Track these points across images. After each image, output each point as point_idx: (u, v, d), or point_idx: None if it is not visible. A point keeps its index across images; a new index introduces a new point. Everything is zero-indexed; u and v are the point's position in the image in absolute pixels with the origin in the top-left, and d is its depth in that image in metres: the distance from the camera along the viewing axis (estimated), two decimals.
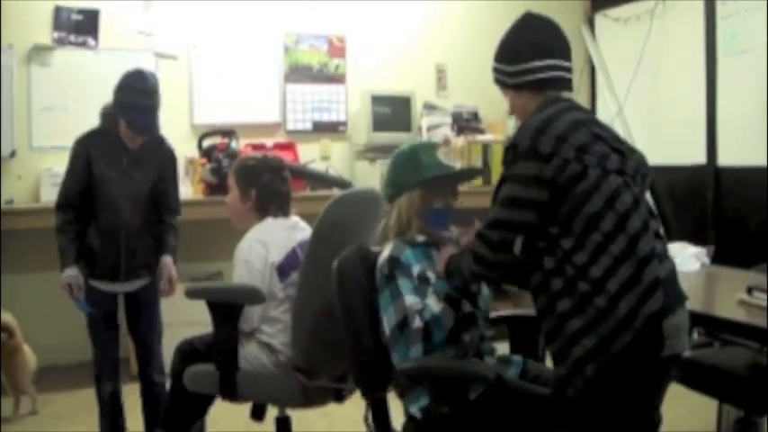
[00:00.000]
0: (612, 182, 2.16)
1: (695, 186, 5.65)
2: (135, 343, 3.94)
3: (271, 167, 3.35)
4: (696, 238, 4.37)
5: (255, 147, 5.61)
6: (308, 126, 6.13)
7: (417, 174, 2.62)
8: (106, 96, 5.50)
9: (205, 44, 5.84)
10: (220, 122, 5.71)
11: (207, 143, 5.51)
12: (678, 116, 5.85)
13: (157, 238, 3.74)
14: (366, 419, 2.59)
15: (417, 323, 2.43)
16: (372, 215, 2.98)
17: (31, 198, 5.36)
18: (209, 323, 3.13)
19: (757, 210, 5.06)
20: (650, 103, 6.13)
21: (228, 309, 3.06)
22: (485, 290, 2.68)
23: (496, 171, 5.78)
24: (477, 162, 5.77)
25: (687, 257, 3.64)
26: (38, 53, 5.42)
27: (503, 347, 2.83)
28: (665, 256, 2.24)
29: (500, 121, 6.36)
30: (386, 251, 2.57)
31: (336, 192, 5.02)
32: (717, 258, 3.85)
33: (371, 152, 5.81)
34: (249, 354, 3.10)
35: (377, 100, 5.93)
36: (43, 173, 5.30)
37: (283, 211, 3.31)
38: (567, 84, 2.40)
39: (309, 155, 5.96)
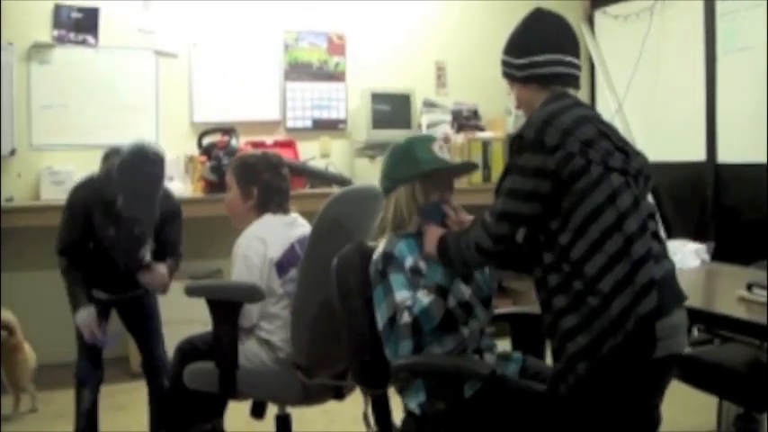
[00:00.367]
0: (614, 180, 2.16)
1: (695, 183, 5.65)
2: (140, 351, 3.87)
3: (271, 165, 3.35)
4: (696, 235, 4.37)
5: (255, 144, 5.61)
6: (308, 124, 6.13)
7: (414, 167, 2.62)
8: (105, 94, 5.57)
9: (205, 42, 5.84)
10: (220, 120, 5.71)
11: (207, 141, 5.51)
12: (678, 113, 5.85)
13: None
14: (365, 417, 2.60)
15: (405, 318, 2.43)
16: (372, 212, 2.97)
17: (31, 196, 5.37)
18: (208, 321, 3.13)
19: (757, 207, 5.06)
20: (650, 100, 6.13)
21: (228, 306, 3.06)
22: (483, 278, 2.67)
23: (496, 168, 5.79)
24: (478, 159, 5.77)
25: (687, 254, 3.64)
26: (38, 51, 5.42)
27: (505, 345, 2.83)
28: (663, 257, 2.23)
29: (500, 118, 6.37)
30: (380, 247, 2.58)
31: (336, 189, 5.02)
32: (717, 255, 3.85)
33: (371, 150, 5.81)
34: (249, 351, 3.10)
35: (376, 97, 5.93)
36: (43, 171, 5.30)
37: (283, 209, 3.31)
38: (574, 80, 2.40)
39: (309, 152, 5.96)
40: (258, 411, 3.26)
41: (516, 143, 2.23)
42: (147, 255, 3.45)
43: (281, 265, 3.15)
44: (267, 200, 3.28)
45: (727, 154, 5.40)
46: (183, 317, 4.75)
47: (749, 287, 2.81)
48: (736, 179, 5.36)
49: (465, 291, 2.54)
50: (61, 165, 5.33)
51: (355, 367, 2.66)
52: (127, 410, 4.39)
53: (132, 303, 3.79)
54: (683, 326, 2.24)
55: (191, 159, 5.53)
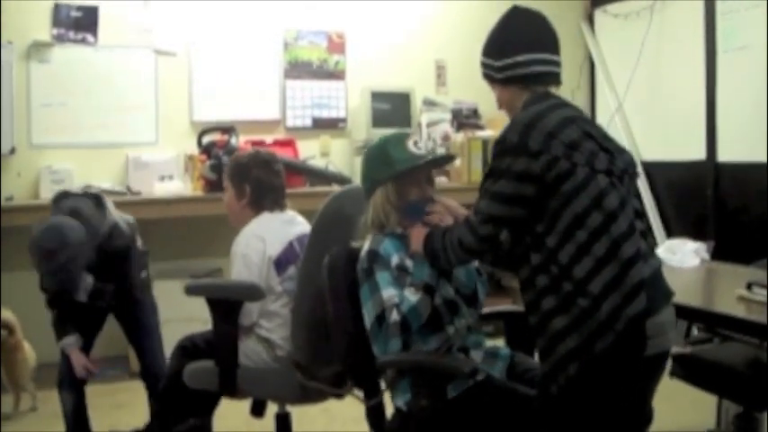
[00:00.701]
0: (600, 181, 2.15)
1: (695, 182, 5.65)
2: (138, 359, 3.92)
3: (262, 161, 3.35)
4: (696, 234, 4.37)
5: (255, 143, 5.61)
6: (308, 122, 6.12)
7: (388, 168, 2.62)
8: (105, 93, 5.57)
9: (204, 41, 5.84)
10: (220, 119, 5.71)
11: (206, 140, 5.51)
12: (678, 112, 5.85)
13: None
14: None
15: (394, 317, 2.45)
16: None
17: (31, 195, 5.37)
18: (208, 320, 3.13)
19: (757, 205, 5.06)
20: (650, 99, 6.13)
21: (228, 305, 3.06)
22: (468, 273, 2.67)
23: None
24: (477, 158, 5.77)
25: (687, 253, 3.64)
26: (37, 50, 5.42)
27: (500, 344, 2.84)
28: (650, 255, 2.23)
29: (500, 117, 6.29)
30: (365, 245, 2.59)
31: (336, 188, 5.02)
32: (716, 254, 3.85)
33: None
34: (248, 349, 3.10)
35: (376, 96, 5.93)
36: (43, 170, 5.30)
37: (279, 205, 3.32)
38: (554, 78, 2.39)
39: (309, 151, 5.95)
40: (258, 410, 3.27)
41: (499, 146, 2.23)
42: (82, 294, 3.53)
43: (280, 263, 3.15)
44: (260, 196, 3.28)
45: (727, 153, 5.40)
46: (182, 315, 4.76)
47: (749, 286, 2.81)
48: (735, 178, 5.36)
49: (450, 289, 2.56)
50: (61, 164, 5.34)
51: (345, 364, 2.70)
52: (126, 409, 4.39)
53: (127, 313, 3.82)
54: (672, 323, 2.24)
55: (190, 158, 5.53)
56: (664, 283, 2.26)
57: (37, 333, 4.72)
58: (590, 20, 6.76)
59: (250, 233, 3.19)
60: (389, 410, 2.62)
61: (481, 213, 2.25)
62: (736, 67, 5.30)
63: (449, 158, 3.09)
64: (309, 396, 3.11)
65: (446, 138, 6.00)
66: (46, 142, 5.43)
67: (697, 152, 5.59)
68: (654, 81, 6.06)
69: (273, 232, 3.20)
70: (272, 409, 3.28)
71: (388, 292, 2.48)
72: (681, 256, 3.55)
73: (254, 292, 3.06)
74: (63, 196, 3.53)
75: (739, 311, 2.71)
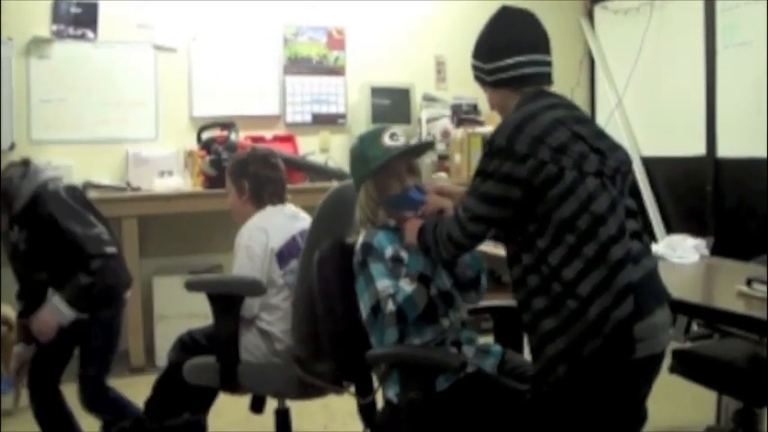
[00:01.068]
0: (589, 184, 2.13)
1: (695, 178, 5.65)
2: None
3: (259, 157, 3.40)
4: (696, 230, 4.37)
5: (255, 139, 5.61)
6: (308, 118, 6.12)
7: (365, 167, 2.65)
8: (105, 89, 5.57)
9: (204, 36, 5.84)
10: (220, 115, 5.71)
11: (206, 135, 5.51)
12: (678, 108, 5.85)
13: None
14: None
15: (390, 307, 2.45)
16: None
17: None
18: (208, 315, 3.13)
19: (757, 201, 5.06)
20: (650, 94, 6.12)
21: (229, 301, 3.06)
22: (473, 256, 2.68)
23: None
24: (477, 154, 5.76)
25: (686, 249, 3.63)
26: (37, 46, 5.41)
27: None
28: (644, 256, 2.22)
29: None
30: (360, 239, 2.61)
31: (335, 184, 5.02)
32: (716, 250, 3.85)
33: None
34: (249, 343, 3.11)
35: (376, 92, 5.93)
36: None
37: (279, 197, 3.34)
38: (545, 78, 2.37)
39: (309, 147, 5.95)
40: (257, 406, 3.27)
41: (488, 147, 2.22)
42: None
43: (282, 255, 3.16)
44: (259, 191, 3.30)
45: (727, 148, 5.40)
46: (182, 311, 4.77)
47: (749, 282, 2.81)
48: (735, 174, 5.36)
49: (447, 280, 2.58)
50: (60, 159, 5.32)
51: (334, 362, 2.72)
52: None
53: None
54: (666, 325, 2.22)
55: (190, 154, 5.53)
56: (658, 284, 2.25)
57: None
58: (590, 16, 6.76)
59: (253, 225, 3.21)
60: (381, 404, 2.63)
61: (470, 211, 2.24)
62: (736, 63, 5.30)
63: (425, 145, 3.06)
64: (309, 391, 3.11)
65: (446, 133, 6.00)
66: (46, 138, 5.43)
67: (697, 148, 5.59)
68: (654, 77, 6.06)
69: (277, 225, 3.21)
70: (270, 405, 3.28)
71: (383, 283, 2.49)
72: (681, 252, 3.55)
73: (255, 288, 3.06)
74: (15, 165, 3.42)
75: (739, 307, 2.71)
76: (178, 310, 4.93)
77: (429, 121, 6.09)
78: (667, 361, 2.40)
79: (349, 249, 2.64)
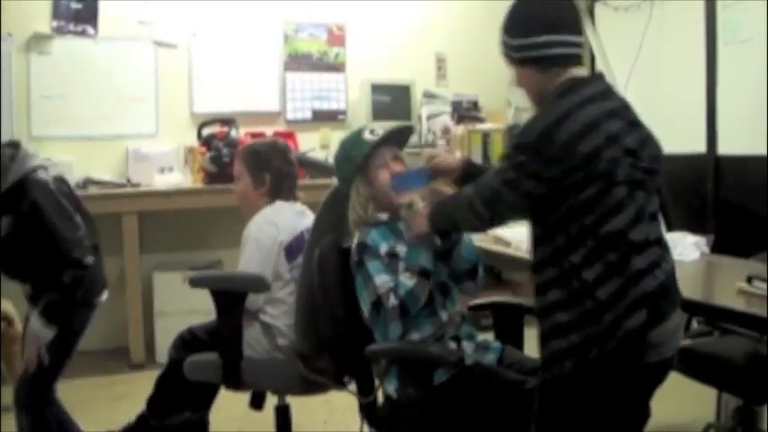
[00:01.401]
0: (617, 194, 2.08)
1: (695, 175, 5.64)
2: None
3: (281, 151, 3.41)
4: (696, 227, 4.36)
5: (255, 135, 5.60)
6: (308, 115, 6.12)
7: (350, 165, 2.70)
8: (105, 85, 5.56)
9: (204, 33, 5.83)
10: (220, 111, 5.70)
11: (206, 132, 5.50)
12: (678, 105, 5.84)
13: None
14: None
15: (392, 301, 2.48)
16: None
17: None
18: (209, 311, 3.13)
19: (757, 199, 5.05)
20: (650, 91, 6.11)
21: (232, 297, 3.07)
22: (468, 248, 2.72)
23: (497, 160, 5.78)
24: (478, 151, 5.77)
25: (687, 246, 3.64)
26: (37, 42, 5.41)
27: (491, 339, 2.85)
28: (663, 260, 2.19)
29: (500, 109, 6.36)
30: (354, 239, 2.63)
31: (335, 180, 5.02)
32: (716, 247, 3.84)
33: None
34: (251, 338, 3.11)
35: (376, 89, 5.93)
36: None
37: (293, 195, 3.38)
38: (573, 60, 2.28)
39: (309, 143, 5.95)
40: (257, 402, 3.27)
41: (518, 140, 2.17)
42: None
43: (291, 250, 3.18)
44: (279, 185, 3.32)
45: (728, 146, 5.39)
46: (183, 308, 4.77)
47: (749, 279, 2.81)
48: (736, 171, 5.36)
49: (442, 271, 2.60)
50: (60, 155, 5.31)
51: (335, 357, 2.75)
52: (126, 400, 4.39)
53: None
54: (680, 328, 2.22)
55: (190, 150, 5.54)
56: (675, 287, 2.23)
57: None
58: (590, 13, 6.74)
59: (263, 219, 3.22)
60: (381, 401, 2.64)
61: (495, 191, 2.20)
62: (737, 60, 5.29)
63: (405, 129, 2.99)
64: (312, 387, 3.11)
65: (446, 130, 6.00)
66: (46, 134, 5.43)
67: (697, 145, 5.58)
68: (654, 74, 6.05)
69: (286, 220, 3.23)
70: (270, 402, 3.28)
71: (381, 279, 2.51)
72: (681, 250, 3.55)
73: (258, 284, 3.07)
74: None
75: (739, 305, 2.71)
76: (178, 306, 4.93)
77: (429, 117, 6.08)
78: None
79: (347, 251, 2.65)
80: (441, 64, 6.52)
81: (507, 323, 2.98)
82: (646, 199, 2.17)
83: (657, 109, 6.04)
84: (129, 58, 5.63)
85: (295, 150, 5.72)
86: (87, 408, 4.15)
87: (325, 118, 6.18)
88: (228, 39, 5.89)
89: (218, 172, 5.20)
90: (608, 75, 6.58)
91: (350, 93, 6.18)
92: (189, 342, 3.31)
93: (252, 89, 5.96)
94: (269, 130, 5.85)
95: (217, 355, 3.08)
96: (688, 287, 2.29)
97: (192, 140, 5.56)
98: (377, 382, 2.66)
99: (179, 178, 5.42)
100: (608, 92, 2.27)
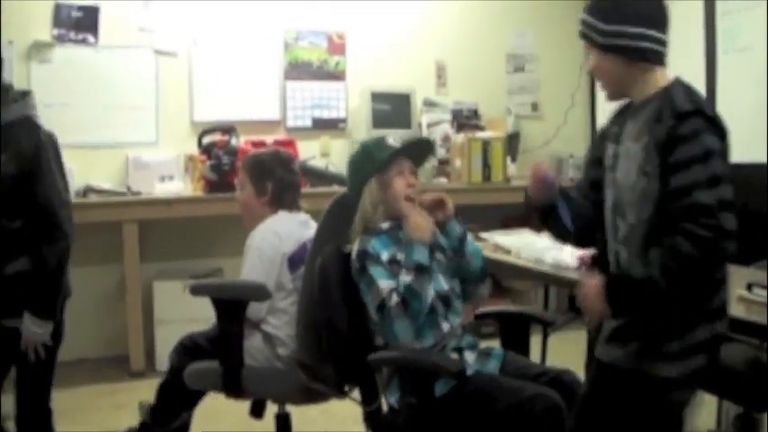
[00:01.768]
0: None
1: None
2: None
3: (284, 161, 3.41)
4: None
5: (255, 144, 5.60)
6: (308, 123, 6.13)
7: (371, 163, 2.73)
8: (105, 93, 5.57)
9: (205, 41, 5.84)
10: (220, 119, 5.71)
11: (207, 140, 5.51)
12: None
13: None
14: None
15: (394, 299, 2.51)
16: None
17: None
18: (209, 320, 3.13)
19: (757, 206, 5.05)
20: None
21: (234, 305, 3.06)
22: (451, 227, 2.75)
23: (496, 168, 5.80)
24: (478, 159, 5.77)
25: None
26: (38, 50, 5.42)
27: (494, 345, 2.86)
28: None
29: (500, 117, 6.38)
30: (355, 247, 2.65)
31: (336, 189, 5.02)
32: None
33: None
34: (252, 347, 3.11)
35: (377, 97, 5.93)
36: None
37: (296, 205, 3.38)
38: (660, 58, 2.28)
39: (309, 152, 5.95)
40: (257, 411, 3.26)
41: (698, 120, 2.09)
42: None
43: (294, 261, 3.18)
44: (281, 195, 3.32)
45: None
46: (183, 316, 4.77)
47: (749, 287, 2.81)
48: (736, 179, 5.32)
49: (444, 283, 2.61)
50: None
51: (337, 366, 2.74)
52: (127, 409, 4.38)
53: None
54: None
55: (191, 158, 5.54)
56: None
57: None
58: None
59: (266, 229, 3.22)
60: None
61: (709, 206, 2.03)
62: (737, 68, 5.30)
63: (427, 142, 3.13)
64: (312, 396, 3.11)
65: (446, 138, 6.01)
66: None
67: None
68: None
69: (289, 230, 3.23)
70: (271, 410, 3.28)
71: (384, 282, 2.55)
72: None
73: (260, 292, 3.07)
74: None
75: (739, 312, 2.71)
76: (179, 314, 4.93)
77: (429, 125, 6.09)
78: None
79: (348, 256, 2.66)
80: (441, 72, 6.52)
81: (513, 332, 2.98)
82: None
83: None
84: (130, 66, 5.64)
85: (296, 159, 5.75)
86: (88, 416, 4.15)
87: (325, 126, 6.18)
88: (229, 47, 5.90)
89: (219, 180, 5.20)
90: None
91: (350, 101, 6.18)
92: (190, 349, 3.31)
93: (252, 97, 5.97)
94: (269, 139, 5.85)
95: (217, 363, 3.08)
96: None
97: (193, 149, 5.57)
98: (380, 390, 2.66)
99: (179, 186, 5.42)
100: None
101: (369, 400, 2.72)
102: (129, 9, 5.61)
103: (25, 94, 2.98)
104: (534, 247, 3.48)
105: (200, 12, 5.81)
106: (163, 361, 4.69)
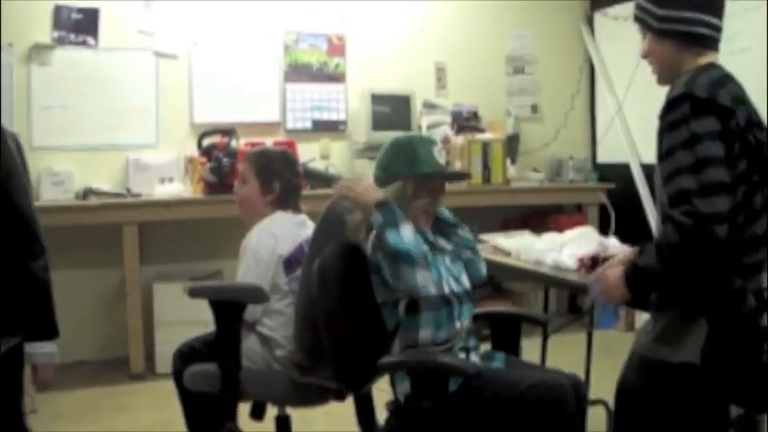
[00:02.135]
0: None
1: None
2: None
3: (292, 162, 3.42)
4: None
5: (255, 146, 5.60)
6: (308, 125, 6.13)
7: (412, 165, 2.67)
8: (105, 95, 5.58)
9: (205, 43, 5.85)
10: (220, 121, 5.70)
11: (207, 142, 5.51)
12: None
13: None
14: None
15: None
16: None
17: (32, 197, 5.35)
18: (208, 322, 3.13)
19: None
20: (650, 101, 6.07)
21: (231, 307, 3.06)
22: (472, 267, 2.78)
23: (496, 170, 5.80)
24: (477, 161, 5.78)
25: None
26: (38, 52, 5.42)
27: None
28: None
29: (499, 119, 6.38)
30: (369, 240, 2.65)
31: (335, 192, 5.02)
32: None
33: (371, 151, 5.80)
34: (249, 349, 3.11)
35: (376, 99, 5.93)
36: (43, 172, 5.29)
37: (298, 207, 3.37)
38: (714, 44, 2.26)
39: (309, 154, 5.95)
40: (257, 413, 3.26)
41: (686, 104, 2.06)
42: None
43: (290, 263, 3.17)
44: (286, 196, 3.32)
45: None
46: (182, 318, 4.76)
47: None
48: None
49: (455, 285, 2.62)
50: (61, 166, 5.34)
51: (336, 367, 2.73)
52: (127, 411, 4.39)
53: None
54: None
55: (190, 160, 5.54)
56: None
57: None
58: (589, 22, 6.76)
59: (263, 230, 3.22)
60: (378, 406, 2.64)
61: (687, 191, 1.98)
62: (736, 70, 5.27)
63: (464, 175, 3.27)
64: (311, 398, 3.11)
65: (446, 140, 6.00)
66: (46, 144, 5.43)
67: None
68: (654, 84, 6.03)
69: (286, 232, 3.23)
70: (271, 412, 3.28)
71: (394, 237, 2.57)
72: None
73: (257, 295, 3.06)
74: None
75: None
76: (178, 316, 4.92)
77: (429, 127, 6.09)
78: None
79: (348, 262, 2.65)
80: (440, 74, 6.53)
81: (504, 333, 2.99)
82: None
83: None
84: (130, 68, 5.64)
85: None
86: (87, 419, 4.15)
87: (325, 128, 6.18)
88: (229, 49, 5.90)
89: (219, 182, 5.20)
90: (607, 84, 6.63)
91: (350, 103, 6.18)
92: (187, 355, 3.30)
93: (252, 99, 5.97)
94: (269, 141, 5.84)
95: (215, 365, 3.08)
96: None
97: (193, 150, 5.57)
98: (374, 392, 2.66)
99: (179, 188, 5.42)
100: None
101: (363, 402, 2.70)
102: (129, 11, 5.62)
103: None
104: (534, 249, 3.48)
105: (200, 14, 5.81)
106: (163, 363, 4.70)
